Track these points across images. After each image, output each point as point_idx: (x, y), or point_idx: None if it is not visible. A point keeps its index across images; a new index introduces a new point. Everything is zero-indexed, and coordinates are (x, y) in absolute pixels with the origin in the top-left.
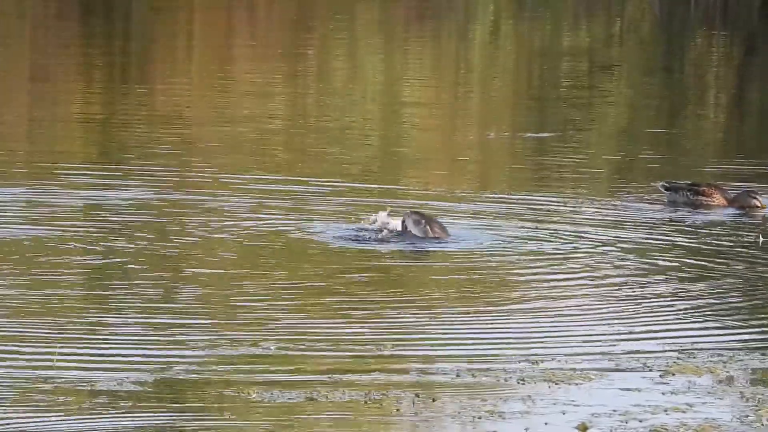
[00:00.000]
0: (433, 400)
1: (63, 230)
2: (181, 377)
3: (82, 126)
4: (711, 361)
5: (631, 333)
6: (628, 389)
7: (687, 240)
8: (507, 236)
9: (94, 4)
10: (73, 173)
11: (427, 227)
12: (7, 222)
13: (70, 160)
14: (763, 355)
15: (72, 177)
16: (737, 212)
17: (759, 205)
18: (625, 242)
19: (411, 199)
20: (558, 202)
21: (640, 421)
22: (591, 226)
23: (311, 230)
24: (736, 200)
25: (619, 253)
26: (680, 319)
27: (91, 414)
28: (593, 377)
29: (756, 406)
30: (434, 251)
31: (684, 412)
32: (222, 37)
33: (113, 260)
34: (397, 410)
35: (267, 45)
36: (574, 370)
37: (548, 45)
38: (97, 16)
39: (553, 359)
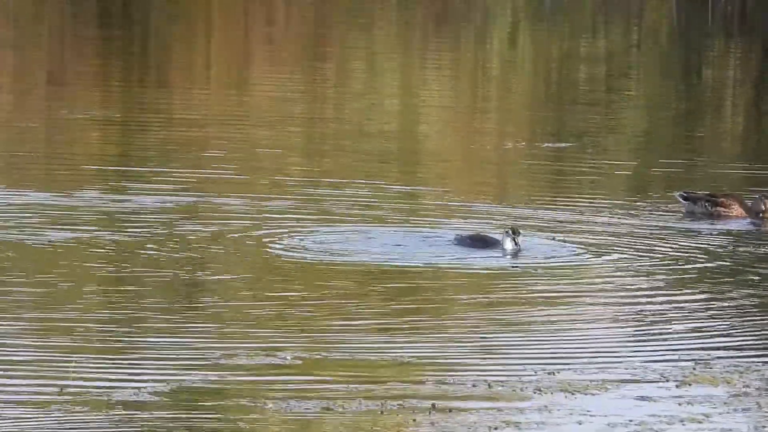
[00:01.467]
0: (450, 411)
1: (79, 235)
2: (197, 387)
3: (99, 130)
4: (728, 372)
5: (647, 343)
6: (645, 399)
7: (704, 250)
8: (523, 246)
9: (112, 9)
10: (90, 177)
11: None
12: (25, 226)
13: (87, 165)
14: None
15: (89, 181)
16: (755, 222)
17: (765, 209)
18: (641, 253)
19: (428, 209)
20: (575, 212)
21: None
22: (608, 236)
23: (329, 238)
24: (751, 207)
25: (635, 264)
26: (697, 329)
27: (108, 424)
28: (609, 387)
29: None
30: (450, 262)
31: (700, 422)
32: (239, 41)
33: (130, 267)
34: (414, 420)
35: (285, 49)
36: (591, 380)
37: (566, 52)
38: (114, 21)
39: (569, 369)
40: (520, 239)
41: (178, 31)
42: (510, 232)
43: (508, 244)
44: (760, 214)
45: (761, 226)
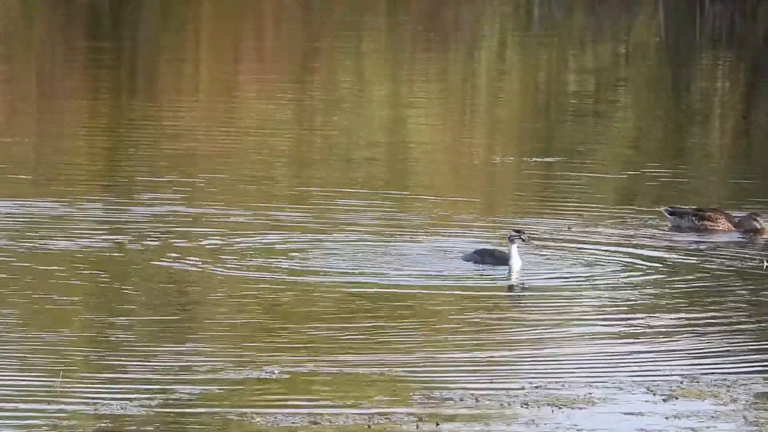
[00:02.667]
0: (437, 425)
1: (66, 246)
2: (184, 400)
3: (89, 140)
4: (715, 386)
5: (634, 357)
6: (632, 413)
7: (691, 265)
8: (530, 244)
9: (101, 21)
10: (81, 188)
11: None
12: (14, 236)
13: (78, 175)
14: (766, 380)
15: (79, 191)
16: (741, 237)
17: (759, 227)
18: (628, 267)
19: (417, 223)
20: (561, 227)
21: None
22: (595, 251)
23: (318, 254)
24: (740, 224)
25: (622, 278)
26: (684, 343)
27: None
28: (596, 401)
29: (759, 430)
30: (437, 277)
31: None
32: (229, 51)
33: (119, 281)
34: None
35: (274, 61)
36: (578, 394)
37: (555, 66)
38: (104, 28)
39: (556, 383)
40: (525, 236)
41: (168, 43)
42: (515, 235)
43: (515, 262)
44: (749, 232)
45: (748, 241)
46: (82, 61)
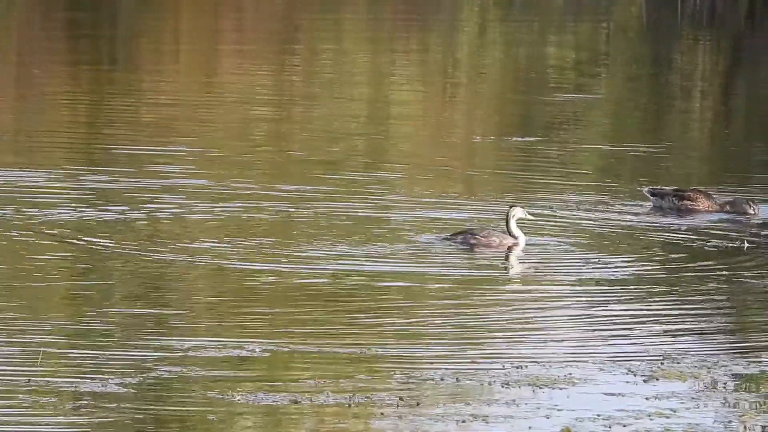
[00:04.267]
0: (417, 404)
1: (43, 218)
2: (165, 378)
3: (67, 110)
4: (695, 367)
5: (615, 338)
6: (612, 394)
7: (672, 245)
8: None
9: None
10: (60, 167)
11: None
12: None
13: (57, 153)
14: (746, 360)
15: (57, 170)
16: (723, 217)
17: (751, 212)
18: (609, 247)
19: (398, 204)
20: (543, 206)
21: (624, 426)
22: (575, 231)
23: (296, 234)
24: (732, 205)
25: (603, 259)
26: (664, 324)
27: (75, 415)
28: (577, 382)
29: (739, 411)
30: (417, 258)
31: (668, 417)
32: (209, 34)
33: (99, 259)
34: (381, 414)
35: (254, 41)
36: (558, 375)
37: (535, 48)
38: (84, 9)
39: (537, 364)
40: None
41: (147, 18)
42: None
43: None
44: (740, 214)
45: (728, 221)
46: (60, 32)
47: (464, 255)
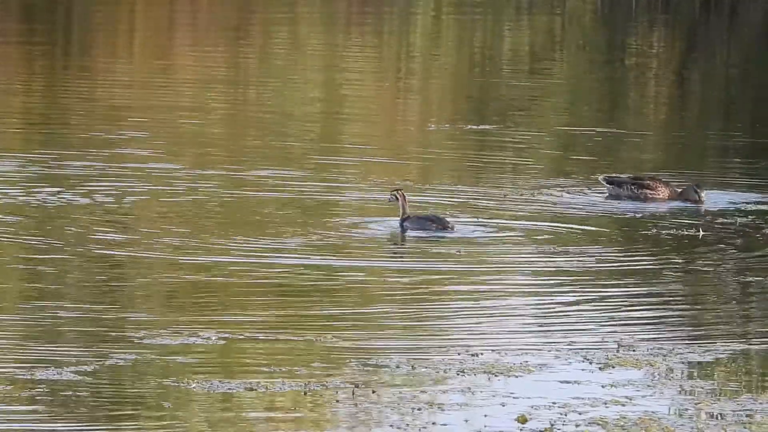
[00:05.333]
0: (373, 392)
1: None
2: (120, 366)
3: (22, 97)
4: (651, 355)
5: (570, 326)
6: (568, 382)
7: (628, 234)
8: (446, 229)
9: None
10: (12, 159)
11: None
12: None
13: (12, 147)
14: (702, 348)
15: (9, 163)
16: (679, 205)
17: (698, 198)
18: (564, 236)
19: (352, 191)
20: (497, 194)
21: (580, 414)
22: (531, 219)
23: (256, 221)
24: (683, 193)
25: (558, 247)
26: (620, 312)
27: (31, 403)
28: (533, 369)
29: (695, 399)
30: (375, 244)
31: (623, 405)
32: (163, 26)
33: (52, 249)
34: (337, 401)
35: (208, 32)
36: (514, 362)
37: (490, 38)
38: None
39: (492, 351)
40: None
41: (103, 5)
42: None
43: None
44: (695, 202)
45: (686, 210)
46: (14, 17)
47: (419, 244)
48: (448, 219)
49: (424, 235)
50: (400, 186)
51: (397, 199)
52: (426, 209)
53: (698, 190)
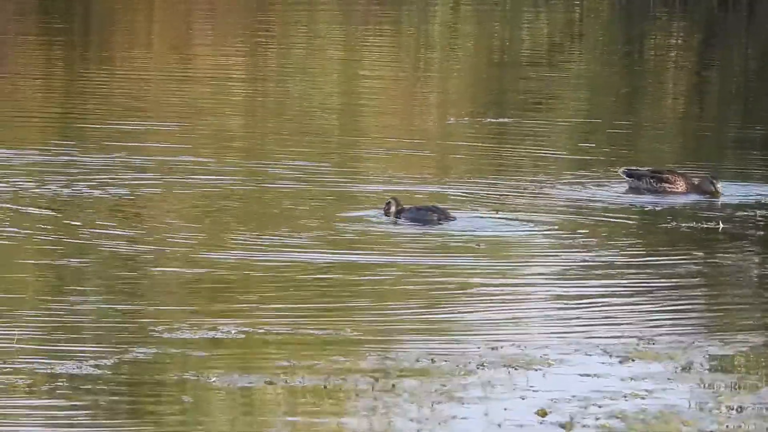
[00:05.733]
0: (393, 386)
1: (20, 210)
2: (140, 360)
3: (42, 91)
4: (671, 348)
5: (590, 319)
6: (588, 375)
7: (648, 227)
8: (467, 222)
9: None
10: (32, 152)
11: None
12: None
13: (30, 139)
14: (722, 342)
15: (30, 156)
16: (698, 198)
17: (714, 190)
18: (585, 229)
19: (372, 185)
20: (517, 188)
21: (600, 407)
22: (551, 212)
23: (275, 215)
24: (699, 185)
25: (579, 240)
26: (640, 305)
27: (50, 397)
28: (552, 363)
29: (715, 392)
30: (395, 238)
31: (643, 398)
32: (181, 21)
33: (71, 243)
34: (356, 395)
35: (226, 26)
36: (534, 355)
37: (508, 30)
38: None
39: (512, 345)
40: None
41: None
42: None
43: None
44: (711, 194)
45: (705, 203)
46: (32, 11)
47: (437, 237)
48: (448, 210)
49: (423, 227)
50: (391, 197)
51: (388, 206)
52: (442, 202)
53: (714, 182)
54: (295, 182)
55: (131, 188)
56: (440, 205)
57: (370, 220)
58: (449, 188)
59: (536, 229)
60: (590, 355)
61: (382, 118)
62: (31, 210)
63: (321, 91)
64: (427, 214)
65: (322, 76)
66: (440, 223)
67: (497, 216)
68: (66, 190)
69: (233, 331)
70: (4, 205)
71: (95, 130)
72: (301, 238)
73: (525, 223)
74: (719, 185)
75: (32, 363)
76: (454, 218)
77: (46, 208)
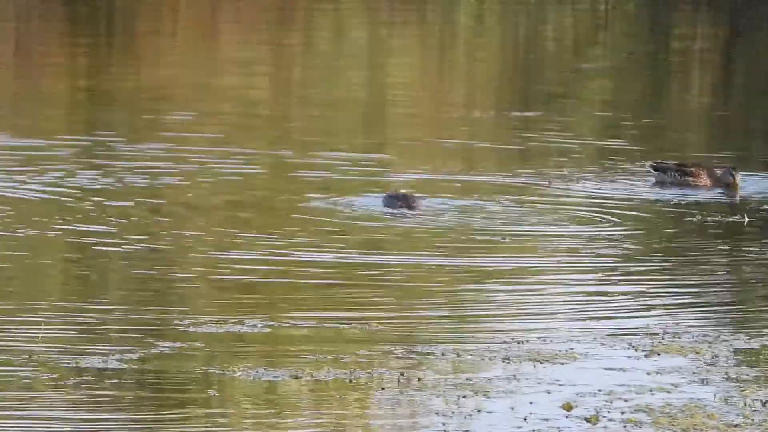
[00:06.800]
0: (418, 379)
1: (43, 194)
2: (165, 354)
3: (67, 101)
4: (696, 342)
5: (616, 312)
6: (613, 369)
7: (673, 220)
8: (492, 215)
9: None
10: (58, 151)
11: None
12: None
13: (55, 137)
14: (748, 335)
15: (56, 154)
16: (724, 192)
17: (733, 181)
18: (610, 222)
19: (397, 177)
20: (543, 181)
21: (626, 401)
22: (576, 205)
23: (297, 205)
24: (720, 177)
25: (604, 233)
26: (666, 299)
27: (75, 391)
28: (578, 356)
29: (741, 386)
30: (420, 229)
31: (669, 392)
32: (207, 14)
33: (98, 236)
34: (382, 389)
35: (252, 21)
36: (559, 349)
37: (534, 22)
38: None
39: (537, 338)
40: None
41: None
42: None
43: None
44: (729, 186)
45: (730, 196)
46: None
47: (461, 229)
48: (416, 198)
49: (392, 211)
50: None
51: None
52: (469, 195)
53: (734, 173)
54: (320, 175)
55: (154, 181)
56: (415, 194)
57: (394, 215)
58: (475, 180)
59: (561, 222)
60: (616, 348)
61: (407, 112)
62: (56, 203)
63: (345, 85)
64: (394, 202)
65: (347, 70)
66: (403, 211)
67: (520, 208)
68: (92, 183)
69: (258, 325)
70: (27, 197)
71: (121, 122)
72: (325, 233)
73: (549, 216)
74: (738, 176)
75: (56, 357)
76: (415, 207)
77: (70, 202)
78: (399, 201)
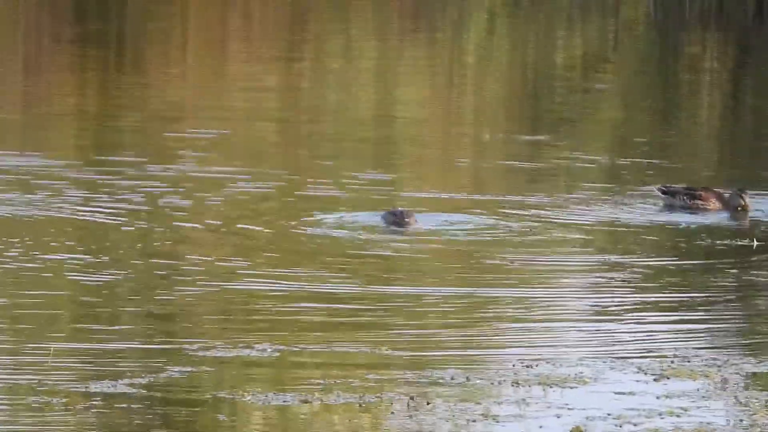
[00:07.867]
0: (427, 403)
1: (54, 214)
2: (174, 379)
3: (75, 119)
4: (706, 365)
5: (625, 337)
6: (623, 393)
7: (681, 244)
8: (500, 238)
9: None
10: (67, 168)
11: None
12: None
13: (64, 155)
14: (757, 359)
15: (66, 172)
16: (732, 216)
17: (743, 204)
18: (619, 245)
19: (405, 199)
20: (552, 204)
21: (635, 425)
22: (585, 229)
23: (306, 229)
24: (728, 201)
25: (613, 257)
26: (675, 323)
27: (85, 416)
28: (588, 380)
29: (751, 410)
30: (428, 254)
31: (678, 416)
32: (216, 32)
33: (108, 260)
34: (392, 413)
35: (262, 39)
36: (569, 373)
37: (543, 44)
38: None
39: (547, 362)
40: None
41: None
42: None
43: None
44: (738, 209)
45: (738, 220)
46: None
47: (470, 254)
48: (411, 215)
49: (385, 227)
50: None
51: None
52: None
53: (743, 195)
54: (329, 196)
55: (163, 202)
56: (412, 211)
57: (403, 235)
58: (483, 202)
59: (569, 245)
60: (625, 372)
61: (416, 135)
62: (65, 225)
63: (355, 111)
64: (389, 217)
65: (356, 91)
66: (398, 226)
67: (530, 232)
68: (102, 204)
69: (268, 350)
70: (37, 216)
71: (131, 141)
72: (334, 255)
73: (558, 239)
74: (747, 198)
75: (67, 382)
76: (406, 224)
77: (79, 223)
78: (395, 217)
